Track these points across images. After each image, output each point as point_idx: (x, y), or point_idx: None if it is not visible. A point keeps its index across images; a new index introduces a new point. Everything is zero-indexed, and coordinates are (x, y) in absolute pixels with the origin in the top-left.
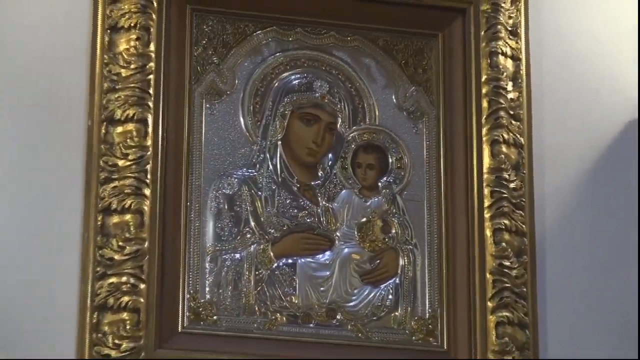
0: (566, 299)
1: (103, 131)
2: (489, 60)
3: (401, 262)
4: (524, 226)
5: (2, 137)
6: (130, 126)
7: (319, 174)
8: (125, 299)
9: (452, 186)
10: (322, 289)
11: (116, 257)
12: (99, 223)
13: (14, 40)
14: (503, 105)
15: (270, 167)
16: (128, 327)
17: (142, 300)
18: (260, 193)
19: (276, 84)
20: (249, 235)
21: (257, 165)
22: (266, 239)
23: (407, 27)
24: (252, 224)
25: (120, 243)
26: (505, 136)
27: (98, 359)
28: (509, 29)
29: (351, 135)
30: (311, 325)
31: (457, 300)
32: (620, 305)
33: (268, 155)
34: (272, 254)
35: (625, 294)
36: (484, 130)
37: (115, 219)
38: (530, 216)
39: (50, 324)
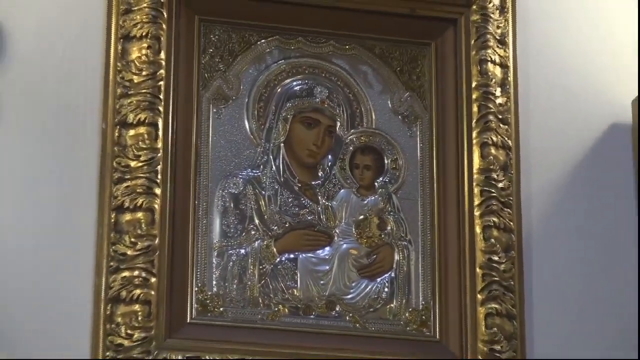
0: (551, 291)
1: (116, 134)
2: (478, 68)
3: (396, 257)
4: (511, 223)
5: (23, 139)
6: (142, 129)
7: (319, 174)
8: (137, 291)
9: (444, 186)
10: (322, 282)
11: (128, 252)
12: (112, 220)
13: (33, 50)
14: (492, 110)
15: (274, 167)
16: (140, 318)
17: (153, 293)
18: (264, 192)
19: (279, 90)
20: (253, 232)
21: (261, 166)
22: (269, 235)
23: (402, 36)
24: (257, 221)
25: (133, 239)
26: (494, 139)
27: (111, 358)
28: (498, 38)
29: (349, 137)
30: (312, 316)
31: (449, 292)
32: (600, 297)
33: (271, 156)
34: (275, 249)
35: (606, 286)
36: (474, 133)
37: (127, 216)
38: (518, 214)
39: (66, 315)
